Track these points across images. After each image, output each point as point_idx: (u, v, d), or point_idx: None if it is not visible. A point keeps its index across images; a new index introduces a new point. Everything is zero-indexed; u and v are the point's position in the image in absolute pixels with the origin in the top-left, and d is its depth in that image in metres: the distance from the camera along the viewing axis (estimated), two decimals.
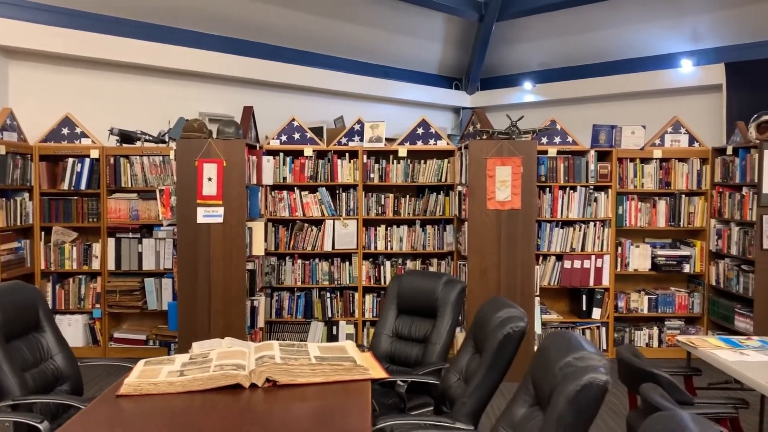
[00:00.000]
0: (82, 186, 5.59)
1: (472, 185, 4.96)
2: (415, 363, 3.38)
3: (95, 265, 5.64)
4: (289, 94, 7.70)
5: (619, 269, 5.70)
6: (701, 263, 5.70)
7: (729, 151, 5.40)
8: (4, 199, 5.15)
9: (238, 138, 5.04)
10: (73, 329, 5.66)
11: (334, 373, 2.67)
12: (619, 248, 5.70)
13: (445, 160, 5.70)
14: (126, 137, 5.68)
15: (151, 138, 5.74)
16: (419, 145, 5.74)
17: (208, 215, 4.93)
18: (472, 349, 2.75)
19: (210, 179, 4.92)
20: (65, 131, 5.65)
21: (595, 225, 5.62)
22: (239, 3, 6.83)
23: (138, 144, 5.73)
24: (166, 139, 5.83)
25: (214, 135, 5.12)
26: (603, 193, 5.63)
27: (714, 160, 5.66)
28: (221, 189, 4.92)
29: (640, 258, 5.72)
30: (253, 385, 2.57)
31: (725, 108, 7.37)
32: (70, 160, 5.59)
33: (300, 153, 5.70)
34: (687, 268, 5.69)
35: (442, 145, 5.74)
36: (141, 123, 6.26)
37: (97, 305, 5.65)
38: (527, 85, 9.15)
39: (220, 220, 4.93)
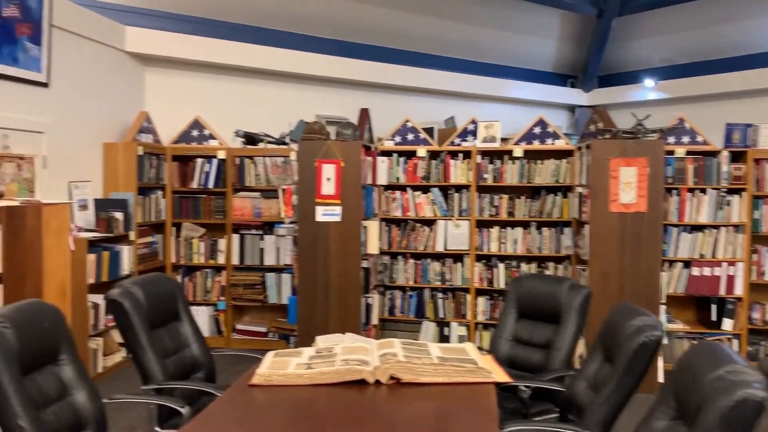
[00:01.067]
0: (210, 185, 5.92)
1: (594, 187, 4.79)
2: (536, 368, 3.31)
3: (220, 259, 5.95)
4: (399, 95, 7.77)
5: (754, 278, 5.30)
6: None
7: None
8: (141, 196, 5.54)
9: (355, 139, 5.14)
10: (199, 320, 5.98)
11: (457, 374, 2.66)
12: (755, 255, 5.30)
13: (564, 161, 5.54)
14: (250, 139, 5.94)
15: (272, 139, 5.98)
16: (536, 145, 5.61)
17: (327, 214, 5.07)
18: (601, 357, 2.65)
19: (329, 179, 5.05)
20: (195, 133, 6.00)
21: (727, 230, 5.26)
22: (354, 7, 6.97)
23: (261, 145, 5.98)
24: (287, 141, 6.05)
25: (332, 136, 5.25)
26: (737, 196, 5.26)
27: None
28: (339, 189, 5.04)
29: None
30: (377, 382, 2.61)
31: None
32: (199, 160, 5.93)
33: (413, 153, 5.74)
34: None
35: (561, 144, 5.58)
36: (262, 125, 6.53)
37: (222, 298, 5.95)
38: (648, 82, 8.71)
39: (338, 218, 5.05)
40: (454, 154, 5.70)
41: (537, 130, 5.63)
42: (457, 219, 5.66)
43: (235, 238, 5.92)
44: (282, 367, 2.79)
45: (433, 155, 5.74)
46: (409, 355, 2.88)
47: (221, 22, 6.40)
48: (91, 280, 4.68)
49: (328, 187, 5.06)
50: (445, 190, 5.70)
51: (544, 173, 5.55)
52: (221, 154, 5.89)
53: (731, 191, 5.30)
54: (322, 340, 3.31)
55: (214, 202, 5.96)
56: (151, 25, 6.01)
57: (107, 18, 5.56)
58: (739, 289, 5.29)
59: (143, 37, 5.92)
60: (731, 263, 5.28)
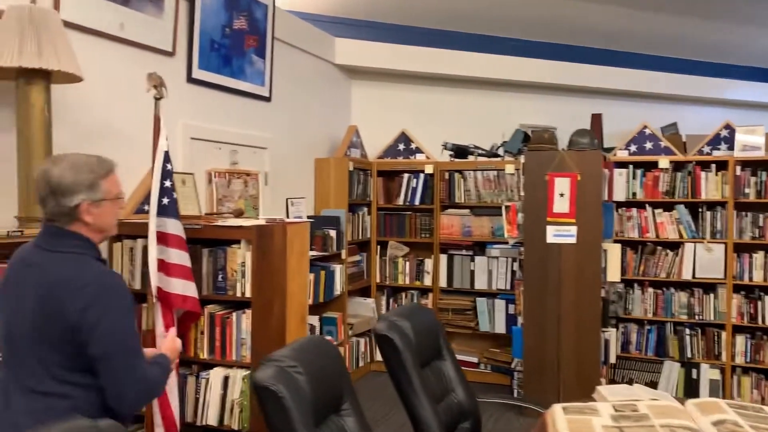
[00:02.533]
0: (416, 201, 5.54)
1: None
2: None
3: (427, 281, 5.54)
4: (608, 100, 6.98)
5: None
6: None
7: None
8: (351, 213, 5.27)
9: (594, 149, 4.50)
10: None
11: None
12: None
13: None
14: (459, 151, 5.50)
15: (483, 152, 5.49)
16: None
17: (559, 234, 4.45)
18: None
19: (562, 195, 4.44)
20: (401, 147, 5.67)
21: None
22: (563, 6, 6.32)
23: (470, 158, 5.52)
24: (500, 153, 5.53)
25: (560, 146, 4.65)
26: None
27: None
28: (574, 206, 4.41)
29: None
30: None
31: None
32: (406, 175, 5.58)
33: (652, 165, 4.95)
34: None
35: None
36: (468, 137, 6.03)
37: None
38: None
39: (573, 240, 4.42)
40: (703, 165, 4.85)
41: None
42: (709, 242, 4.78)
43: (443, 258, 5.48)
44: (584, 429, 2.21)
45: (677, 167, 4.93)
46: (755, 424, 2.19)
47: (425, 30, 6.05)
48: (310, 301, 4.43)
49: (561, 204, 4.45)
50: (694, 208, 4.86)
51: None
52: (428, 169, 5.49)
53: None
54: (608, 392, 2.70)
55: (420, 219, 5.57)
56: (357, 36, 5.79)
57: (318, 29, 5.40)
58: None
59: (351, 48, 5.71)
60: None
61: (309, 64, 5.26)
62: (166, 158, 2.79)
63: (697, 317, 4.83)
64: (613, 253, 4.56)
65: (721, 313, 4.77)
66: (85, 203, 1.75)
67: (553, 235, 4.47)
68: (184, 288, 2.77)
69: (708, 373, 4.82)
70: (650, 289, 4.94)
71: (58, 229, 1.76)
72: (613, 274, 4.57)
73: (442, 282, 5.49)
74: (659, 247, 4.93)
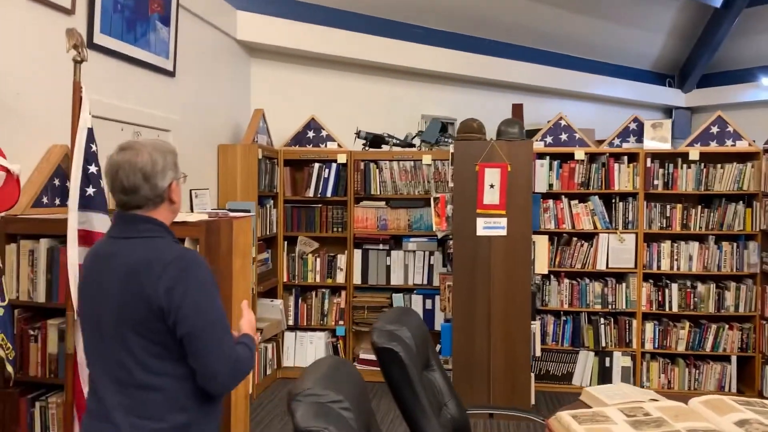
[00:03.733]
0: (328, 193, 5.17)
1: None
2: None
3: (340, 278, 5.19)
4: (509, 93, 7.05)
5: None
6: None
7: None
8: (259, 206, 4.79)
9: (523, 139, 4.40)
10: (314, 347, 5.24)
11: None
12: None
13: (748, 164, 4.79)
14: (374, 140, 5.20)
15: (398, 141, 5.24)
16: (713, 146, 4.87)
17: (489, 227, 4.31)
18: None
19: (492, 186, 4.30)
20: (310, 134, 5.26)
21: None
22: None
23: (386, 148, 5.24)
24: (415, 143, 5.31)
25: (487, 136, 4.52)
26: None
27: None
28: (504, 197, 4.29)
29: None
30: None
31: None
32: (316, 165, 5.18)
33: (568, 156, 4.99)
34: None
35: (743, 146, 4.83)
36: (370, 126, 5.77)
37: (341, 322, 5.19)
38: (766, 80, 7.99)
39: (504, 232, 4.30)
40: (616, 157, 4.96)
41: (714, 129, 4.89)
42: (622, 232, 4.90)
43: (357, 253, 5.17)
44: None
45: (591, 158, 5.00)
46: None
47: (334, 10, 5.66)
48: None
49: (491, 196, 4.31)
50: (608, 199, 4.95)
51: (726, 179, 4.81)
52: (341, 158, 5.14)
53: None
54: (600, 394, 2.55)
55: (333, 212, 5.21)
56: (261, 10, 5.27)
57: None
58: None
59: (253, 22, 5.19)
60: None
61: (211, 37, 4.69)
62: (90, 137, 2.22)
63: (610, 306, 4.93)
64: (541, 245, 4.51)
65: (632, 302, 4.92)
66: (174, 182, 1.77)
67: (483, 227, 4.32)
68: None
69: (620, 361, 4.95)
70: (566, 280, 4.97)
71: (132, 216, 1.71)
72: (541, 266, 4.52)
73: (357, 279, 5.17)
74: (575, 238, 4.97)
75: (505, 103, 7.13)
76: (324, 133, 5.25)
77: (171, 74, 3.94)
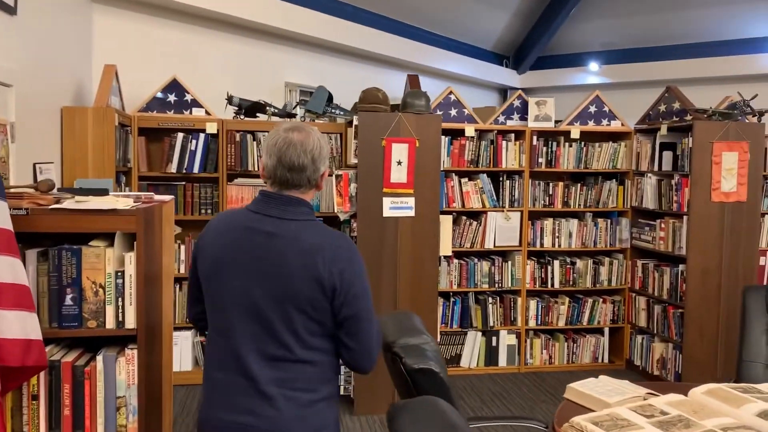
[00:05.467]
0: (195, 168, 4.43)
1: (696, 174, 4.29)
2: None
3: None
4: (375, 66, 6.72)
5: None
6: None
7: None
8: (117, 185, 3.93)
9: (430, 112, 4.10)
10: (179, 349, 4.50)
11: None
12: None
13: (622, 144, 4.98)
14: (250, 108, 4.54)
15: (278, 110, 4.64)
16: (591, 126, 4.99)
17: (397, 207, 3.97)
18: None
19: (399, 163, 3.95)
20: (171, 98, 4.45)
21: None
22: None
23: (263, 117, 4.62)
24: (297, 112, 4.76)
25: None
26: None
27: None
28: (412, 175, 3.97)
29: None
30: None
31: None
32: (180, 135, 4.40)
33: (458, 133, 4.79)
34: None
35: (617, 126, 5.02)
36: (236, 91, 5.09)
37: None
38: (593, 66, 8.60)
39: (411, 213, 3.98)
40: (503, 135, 4.87)
41: (592, 108, 5.01)
42: (508, 210, 4.84)
43: None
44: None
45: (479, 136, 4.86)
46: None
47: None
48: None
49: (398, 174, 3.96)
50: (496, 177, 4.85)
51: (602, 158, 4.96)
52: (211, 128, 4.42)
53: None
54: (587, 389, 2.34)
55: (201, 191, 4.48)
56: None
57: None
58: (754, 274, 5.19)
59: None
60: (763, 253, 5.15)
61: None
62: None
63: (497, 285, 4.88)
64: (446, 226, 4.27)
65: (517, 280, 4.91)
66: (326, 170, 1.80)
67: (390, 207, 3.96)
68: (22, 326, 1.50)
69: (506, 339, 4.93)
70: (455, 260, 4.81)
71: (291, 198, 1.73)
72: (445, 247, 4.28)
73: None
74: (464, 217, 4.82)
75: (366, 74, 6.79)
76: (189, 97, 4.47)
77: (11, 9, 2.97)
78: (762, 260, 5.07)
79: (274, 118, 4.60)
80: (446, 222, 4.29)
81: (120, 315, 1.74)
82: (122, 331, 1.73)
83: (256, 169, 4.49)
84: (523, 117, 4.98)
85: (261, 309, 1.66)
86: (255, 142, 4.49)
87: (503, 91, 9.43)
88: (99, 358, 1.73)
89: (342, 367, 4.24)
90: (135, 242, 1.72)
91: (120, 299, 1.73)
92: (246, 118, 4.56)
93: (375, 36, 6.66)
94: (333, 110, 4.62)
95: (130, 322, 1.73)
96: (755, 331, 2.87)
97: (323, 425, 1.69)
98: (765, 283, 5.09)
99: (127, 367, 1.74)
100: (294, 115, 4.69)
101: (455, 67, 7.94)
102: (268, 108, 4.56)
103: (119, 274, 1.73)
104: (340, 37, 6.17)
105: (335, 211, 4.02)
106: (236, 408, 1.65)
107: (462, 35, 8.21)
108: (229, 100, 4.50)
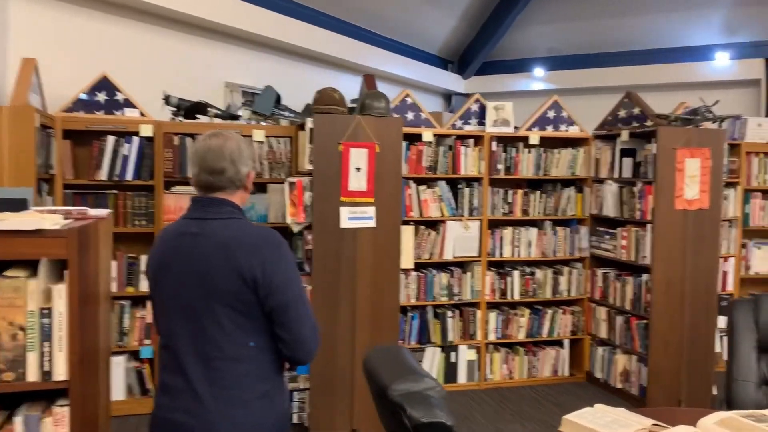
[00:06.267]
0: (128, 176, 3.99)
1: (660, 181, 4.18)
2: None
3: (144, 285, 4.05)
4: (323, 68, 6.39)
5: (742, 273, 5.25)
6: None
7: None
8: (39, 194, 3.46)
9: (391, 115, 3.82)
10: (112, 375, 4.03)
11: None
12: (743, 250, 5.25)
13: (581, 150, 4.85)
14: (190, 109, 4.14)
15: (220, 112, 4.26)
16: (550, 131, 4.84)
17: (356, 217, 3.66)
18: None
19: (359, 169, 3.65)
20: (101, 98, 4.00)
21: (721, 225, 5.09)
22: None
23: (205, 119, 4.22)
24: (241, 114, 4.39)
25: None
26: (732, 190, 5.13)
27: None
28: (373, 183, 3.67)
29: (761, 260, 5.31)
30: None
31: (765, 103, 7.30)
32: (111, 138, 3.95)
33: (415, 138, 4.54)
34: None
35: (575, 131, 4.89)
36: (174, 92, 4.68)
37: (147, 341, 4.07)
38: (538, 71, 8.55)
39: (372, 223, 3.69)
40: (462, 140, 4.65)
41: (551, 113, 4.86)
42: (468, 219, 4.62)
43: None
44: None
45: (437, 141, 4.62)
46: None
47: None
48: None
49: (357, 181, 3.66)
50: (455, 184, 4.62)
51: (562, 164, 4.81)
52: (146, 131, 3.99)
53: (726, 185, 5.16)
54: (585, 420, 2.11)
55: (134, 201, 4.04)
56: None
57: None
58: (730, 285, 5.19)
59: None
60: (725, 259, 5.14)
61: None
62: None
63: (455, 298, 4.64)
64: (407, 236, 3.99)
65: (477, 291, 4.69)
66: (251, 172, 1.89)
67: (349, 218, 3.65)
68: None
69: (465, 355, 4.70)
70: (413, 273, 4.54)
71: (214, 199, 1.80)
72: (407, 260, 4.01)
73: None
74: (422, 227, 4.56)
75: (311, 76, 6.47)
76: (120, 96, 4.03)
77: None
78: (725, 266, 5.06)
79: (217, 120, 4.21)
80: (407, 233, 4.02)
81: (46, 364, 1.37)
82: (49, 384, 1.36)
83: None
84: (482, 122, 4.77)
85: (193, 309, 1.72)
86: None
87: (448, 97, 9.28)
88: (17, 419, 1.35)
89: (295, 393, 3.89)
90: (66, 271, 1.34)
91: (46, 344, 1.36)
92: (185, 120, 4.15)
93: (321, 36, 6.34)
94: (282, 112, 4.27)
95: (60, 373, 1.37)
96: (745, 347, 2.72)
97: (257, 424, 1.70)
98: (725, 290, 5.09)
99: (55, 429, 1.37)
100: (238, 117, 4.32)
101: (402, 71, 7.71)
102: (209, 109, 4.16)
103: (45, 312, 1.36)
104: (284, 36, 5.83)
105: (287, 221, 3.67)
106: (176, 408, 1.69)
107: (408, 38, 8.00)
108: (166, 100, 4.09)
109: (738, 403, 2.65)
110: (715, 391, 4.44)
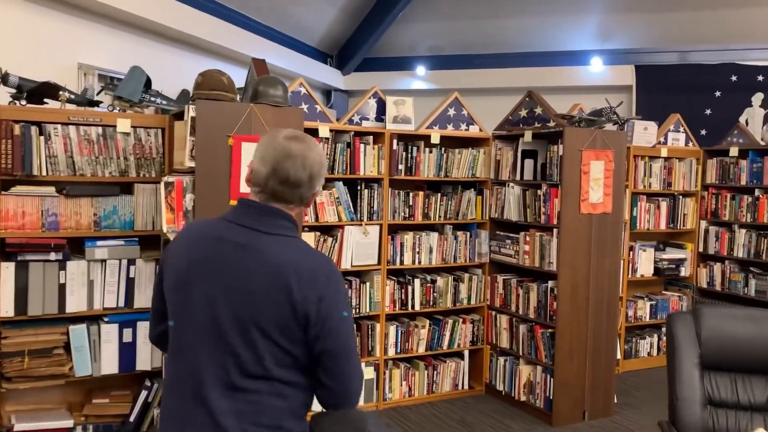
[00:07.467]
0: None
1: (566, 183, 4.02)
2: None
3: None
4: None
5: (628, 275, 5.31)
6: (692, 266, 5.63)
7: (734, 152, 5.37)
8: None
9: (290, 105, 3.31)
10: None
11: None
12: (630, 253, 5.31)
13: (481, 150, 4.61)
14: (35, 91, 3.36)
15: (75, 96, 3.51)
16: (450, 130, 4.55)
17: None
18: None
19: None
20: None
21: None
22: None
23: (54, 104, 3.46)
24: (101, 100, 3.67)
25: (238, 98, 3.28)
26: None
27: (706, 161, 5.61)
28: None
29: (646, 262, 5.40)
30: None
31: (635, 109, 7.59)
32: None
33: (311, 133, 4.04)
34: (683, 272, 5.56)
35: (475, 131, 4.64)
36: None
37: None
38: (420, 70, 8.34)
39: None
40: (361, 137, 4.23)
41: (451, 111, 4.57)
42: (367, 224, 4.21)
43: (7, 267, 3.29)
44: None
45: (334, 138, 4.16)
46: None
47: None
48: None
49: None
50: (353, 186, 4.19)
51: (462, 165, 4.54)
52: None
53: None
54: None
55: None
56: None
57: None
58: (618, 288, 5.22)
59: None
60: None
61: None
62: None
63: (354, 311, 4.21)
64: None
65: (376, 303, 4.29)
66: (318, 192, 1.68)
67: None
68: None
69: (364, 374, 4.28)
70: None
71: (272, 209, 1.59)
72: None
73: (8, 307, 3.29)
74: (317, 233, 4.08)
75: (183, 61, 5.75)
76: None
77: None
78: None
79: (70, 106, 3.46)
80: (308, 241, 3.51)
81: None
82: None
83: (46, 173, 3.32)
84: (380, 118, 4.38)
85: (224, 330, 1.52)
86: (43, 137, 3.32)
87: (327, 93, 8.82)
88: None
89: None
90: None
91: None
92: (30, 105, 3.36)
93: (192, 15, 5.64)
94: (153, 98, 3.61)
95: None
96: (687, 364, 2.53)
97: None
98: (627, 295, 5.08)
99: None
100: (98, 103, 3.59)
101: (280, 62, 7.15)
102: (61, 93, 3.40)
103: None
104: (149, 14, 5.09)
105: (163, 230, 3.04)
106: None
107: (286, 27, 7.45)
108: (4, 79, 3.28)
109: (684, 425, 2.45)
110: (616, 399, 4.38)
